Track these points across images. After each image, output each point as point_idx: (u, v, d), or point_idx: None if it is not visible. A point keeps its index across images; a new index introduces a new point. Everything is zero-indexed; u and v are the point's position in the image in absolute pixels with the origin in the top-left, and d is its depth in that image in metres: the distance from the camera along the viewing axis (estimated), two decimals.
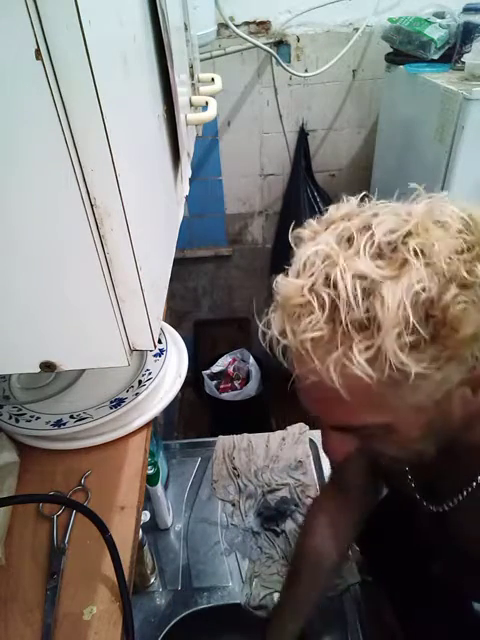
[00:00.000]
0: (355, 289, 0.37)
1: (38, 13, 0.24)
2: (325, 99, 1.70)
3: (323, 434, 0.51)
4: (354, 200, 0.45)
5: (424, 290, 0.36)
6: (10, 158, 0.27)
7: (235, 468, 1.24)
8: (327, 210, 0.45)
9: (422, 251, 0.37)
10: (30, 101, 0.26)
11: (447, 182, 1.19)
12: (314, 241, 0.42)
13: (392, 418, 0.44)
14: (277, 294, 0.42)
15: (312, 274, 0.39)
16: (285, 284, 0.41)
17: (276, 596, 0.97)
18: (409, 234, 0.38)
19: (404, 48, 1.36)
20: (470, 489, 0.57)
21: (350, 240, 0.40)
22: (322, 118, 1.74)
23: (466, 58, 1.19)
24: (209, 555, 1.07)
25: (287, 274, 0.42)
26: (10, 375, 0.77)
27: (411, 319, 0.35)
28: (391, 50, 1.46)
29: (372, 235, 0.39)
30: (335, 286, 0.37)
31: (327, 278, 0.38)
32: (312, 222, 0.45)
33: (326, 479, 1.19)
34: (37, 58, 0.24)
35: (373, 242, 0.38)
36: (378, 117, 1.64)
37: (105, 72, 0.27)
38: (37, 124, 0.26)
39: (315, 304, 0.38)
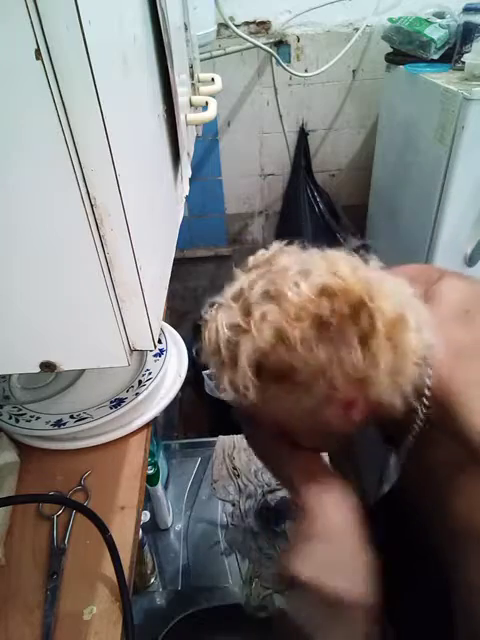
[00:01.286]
0: (227, 337, 0.50)
1: (38, 13, 0.24)
2: (325, 99, 1.70)
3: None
4: (278, 246, 0.57)
5: (256, 351, 0.48)
6: (10, 158, 0.27)
7: (235, 468, 1.24)
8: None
9: (263, 316, 0.48)
10: (30, 101, 0.26)
11: (447, 182, 1.19)
12: (234, 284, 0.55)
13: (278, 421, 0.57)
14: None
15: (215, 318, 0.53)
16: (209, 317, 0.54)
17: (276, 596, 0.97)
18: (264, 297, 0.49)
19: (404, 48, 1.36)
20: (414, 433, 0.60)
21: (240, 294, 0.52)
22: (322, 118, 1.74)
23: (466, 58, 1.19)
24: (209, 555, 1.07)
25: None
26: (10, 375, 0.77)
27: (252, 367, 0.48)
28: (391, 50, 1.46)
29: (249, 296, 0.51)
30: (219, 331, 0.51)
31: (218, 323, 0.52)
32: (258, 257, 0.57)
33: None
34: (37, 58, 0.24)
35: (247, 302, 0.50)
36: (378, 117, 1.64)
37: (105, 72, 0.27)
38: (37, 124, 0.26)
39: (212, 339, 0.52)
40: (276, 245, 0.57)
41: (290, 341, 0.47)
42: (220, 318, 0.52)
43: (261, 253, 0.57)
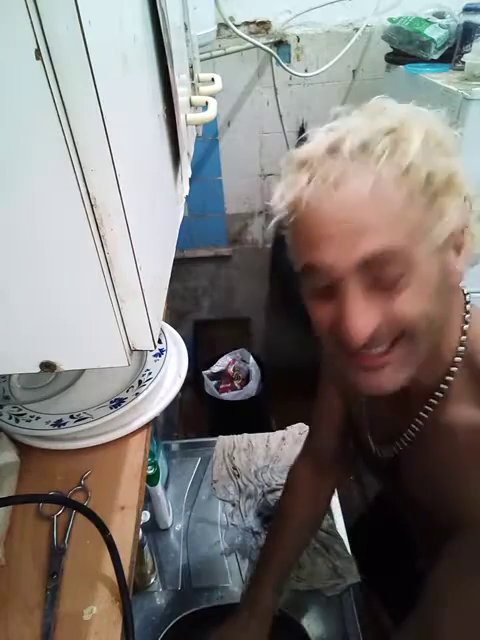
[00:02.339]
0: (384, 127, 0.46)
1: (38, 13, 0.24)
2: (325, 99, 1.70)
3: (345, 311, 0.47)
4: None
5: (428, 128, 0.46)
6: (10, 158, 0.27)
7: (235, 468, 1.24)
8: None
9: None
10: (30, 101, 0.26)
11: None
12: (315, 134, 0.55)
13: (411, 249, 0.44)
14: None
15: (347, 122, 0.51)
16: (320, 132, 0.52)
17: None
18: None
19: (404, 48, 1.37)
20: (412, 433, 0.60)
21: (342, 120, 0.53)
22: (322, 118, 1.74)
23: (466, 58, 1.19)
24: (209, 555, 1.07)
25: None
26: (10, 375, 0.77)
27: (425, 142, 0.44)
28: (391, 50, 1.46)
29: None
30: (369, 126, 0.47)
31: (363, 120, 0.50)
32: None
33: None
34: (37, 58, 0.24)
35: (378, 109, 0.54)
36: None
37: (105, 72, 0.27)
38: (37, 124, 0.26)
39: (360, 133, 0.46)
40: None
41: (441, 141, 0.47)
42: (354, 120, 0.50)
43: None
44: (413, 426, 0.60)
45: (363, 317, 0.46)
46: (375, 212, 0.43)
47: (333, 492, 0.98)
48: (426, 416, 0.57)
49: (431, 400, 0.56)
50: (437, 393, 0.55)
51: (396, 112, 0.49)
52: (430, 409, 0.57)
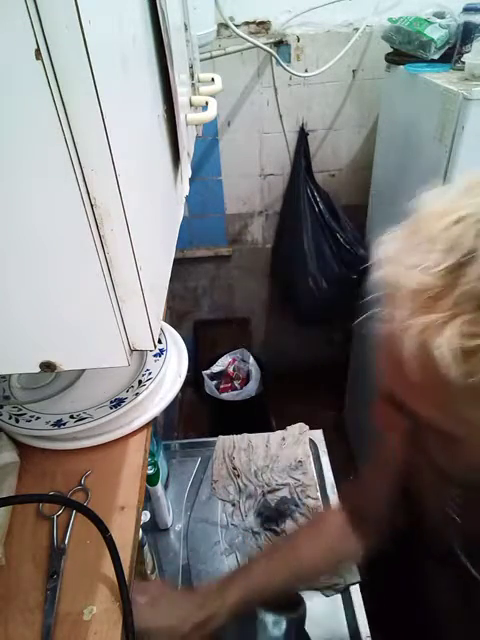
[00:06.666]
0: None
1: (38, 13, 0.24)
2: (325, 99, 1.71)
3: (377, 401, 0.42)
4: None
5: None
6: (10, 158, 0.27)
7: (235, 468, 1.24)
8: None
9: None
10: (30, 101, 0.26)
11: (447, 182, 1.18)
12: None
13: (461, 431, 0.35)
14: (415, 213, 0.34)
15: (462, 218, 0.31)
16: (431, 204, 0.33)
17: None
18: None
19: (404, 48, 1.36)
20: None
21: None
22: (322, 118, 1.74)
23: (466, 58, 1.19)
24: (209, 555, 1.07)
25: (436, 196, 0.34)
26: (10, 375, 0.77)
27: None
28: (391, 50, 1.46)
29: None
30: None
31: (477, 235, 0.30)
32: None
33: (332, 485, 1.17)
34: (37, 58, 0.24)
35: None
36: (378, 117, 1.64)
37: (105, 72, 0.27)
38: (37, 124, 0.26)
39: (442, 247, 0.30)
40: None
41: None
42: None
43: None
44: None
45: (386, 421, 0.41)
46: (413, 370, 0.32)
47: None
48: None
49: None
50: None
51: None
52: None
